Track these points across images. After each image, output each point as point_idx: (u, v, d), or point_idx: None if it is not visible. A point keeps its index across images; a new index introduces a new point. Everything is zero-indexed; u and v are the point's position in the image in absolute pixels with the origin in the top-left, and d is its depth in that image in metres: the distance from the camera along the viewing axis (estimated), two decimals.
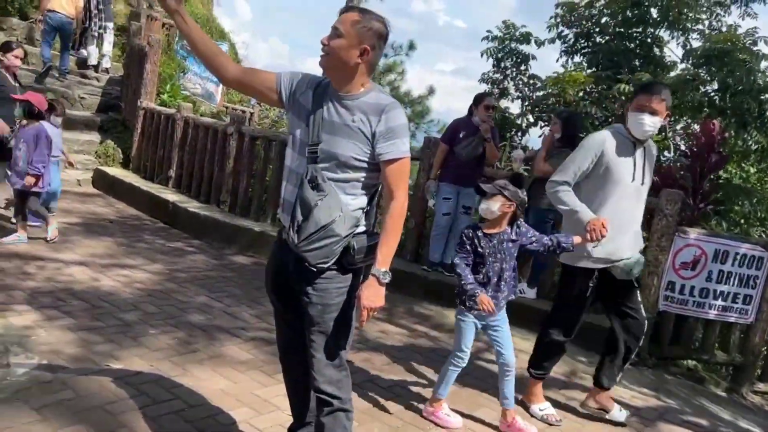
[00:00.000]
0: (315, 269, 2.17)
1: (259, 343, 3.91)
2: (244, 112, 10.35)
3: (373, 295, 2.14)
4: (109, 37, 11.00)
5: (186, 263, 5.54)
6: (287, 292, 2.35)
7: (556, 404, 3.72)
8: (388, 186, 2.15)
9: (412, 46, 15.03)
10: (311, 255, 2.13)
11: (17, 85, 6.05)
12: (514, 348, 4.58)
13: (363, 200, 2.21)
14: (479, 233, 3.13)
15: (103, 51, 10.99)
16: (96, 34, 10.79)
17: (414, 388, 3.66)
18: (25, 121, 5.35)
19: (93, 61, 10.92)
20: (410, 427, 3.18)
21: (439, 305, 5.27)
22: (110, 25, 10.94)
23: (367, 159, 2.14)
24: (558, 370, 4.35)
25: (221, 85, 10.73)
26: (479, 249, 3.11)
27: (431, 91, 14.45)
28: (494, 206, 3.08)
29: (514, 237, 3.17)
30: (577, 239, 3.22)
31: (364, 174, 2.16)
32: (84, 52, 11.08)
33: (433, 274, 5.52)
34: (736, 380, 5.16)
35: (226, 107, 10.95)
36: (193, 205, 7.04)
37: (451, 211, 5.54)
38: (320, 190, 2.11)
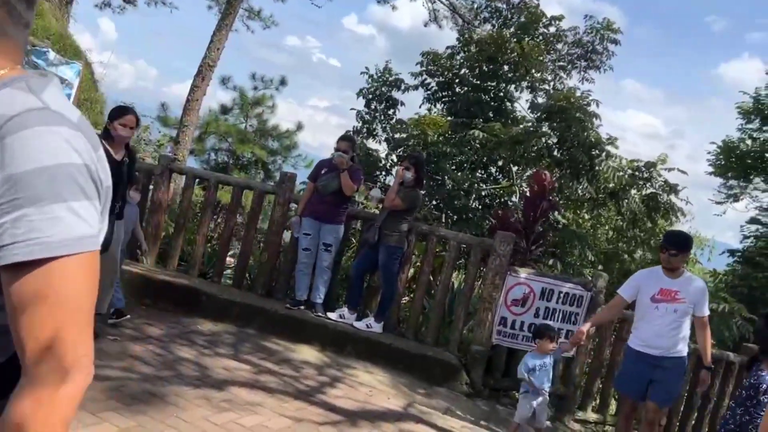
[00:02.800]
0: None
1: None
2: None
3: None
4: None
5: None
6: None
7: None
8: (19, 338, 0.83)
9: (283, 82, 15.04)
10: None
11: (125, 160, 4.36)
12: (358, 382, 4.68)
13: None
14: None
15: None
16: None
17: (250, 423, 3.62)
18: None
19: None
20: None
21: (288, 340, 5.27)
22: None
23: None
24: (397, 402, 4.52)
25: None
26: None
27: (299, 126, 14.56)
28: None
29: None
30: None
31: None
32: None
33: (282, 308, 5.51)
34: (560, 409, 5.62)
35: None
36: None
37: (311, 247, 5.60)
38: None
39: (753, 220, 12.82)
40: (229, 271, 6.55)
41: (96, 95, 12.57)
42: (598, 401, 5.88)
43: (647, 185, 9.76)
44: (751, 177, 12.54)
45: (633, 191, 9.45)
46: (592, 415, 5.74)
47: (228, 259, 6.46)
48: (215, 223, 7.43)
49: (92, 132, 0.96)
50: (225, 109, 14.76)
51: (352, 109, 11.92)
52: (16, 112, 0.86)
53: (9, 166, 0.83)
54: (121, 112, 4.36)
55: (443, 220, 9.32)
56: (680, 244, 4.23)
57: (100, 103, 12.90)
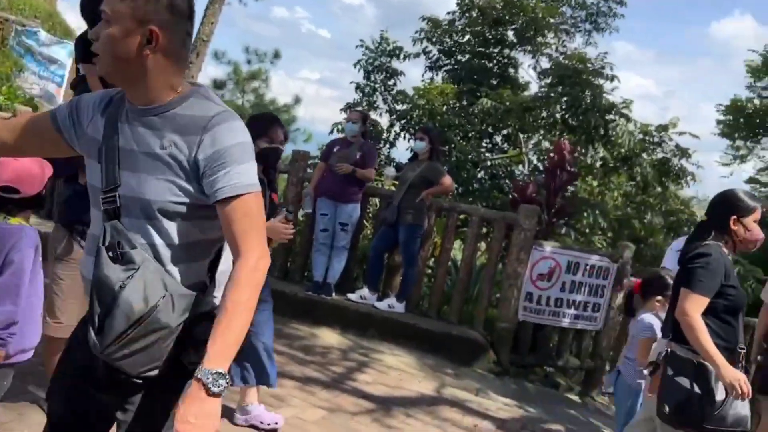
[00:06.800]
0: (139, 380, 1.43)
1: None
2: None
3: (198, 412, 1.27)
4: None
5: None
6: (89, 403, 1.53)
7: (424, 421, 3.73)
8: (232, 238, 1.39)
9: (277, 55, 14.75)
10: (128, 363, 1.38)
11: None
12: (386, 366, 4.54)
13: (200, 266, 1.47)
14: None
15: None
16: None
17: (284, 415, 3.48)
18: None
19: None
20: None
21: (308, 325, 5.12)
22: None
23: (194, 202, 1.41)
24: (428, 386, 4.40)
25: (63, 86, 9.67)
26: None
27: (297, 100, 14.27)
28: None
29: None
30: None
31: (194, 226, 1.44)
32: None
33: (302, 291, 5.36)
34: (587, 384, 5.53)
35: None
36: None
37: (329, 227, 5.41)
38: (127, 261, 1.37)
39: (752, 180, 12.67)
40: None
41: None
42: None
43: (658, 150, 9.60)
44: (759, 137, 12.37)
45: (644, 155, 9.28)
46: None
47: None
48: None
49: None
50: (219, 84, 14.43)
51: (351, 82, 11.59)
52: (214, 112, 1.41)
53: (218, 143, 1.38)
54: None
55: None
56: None
57: None
